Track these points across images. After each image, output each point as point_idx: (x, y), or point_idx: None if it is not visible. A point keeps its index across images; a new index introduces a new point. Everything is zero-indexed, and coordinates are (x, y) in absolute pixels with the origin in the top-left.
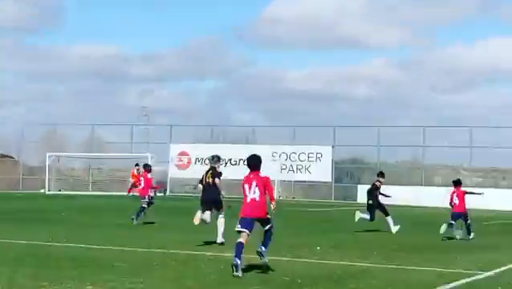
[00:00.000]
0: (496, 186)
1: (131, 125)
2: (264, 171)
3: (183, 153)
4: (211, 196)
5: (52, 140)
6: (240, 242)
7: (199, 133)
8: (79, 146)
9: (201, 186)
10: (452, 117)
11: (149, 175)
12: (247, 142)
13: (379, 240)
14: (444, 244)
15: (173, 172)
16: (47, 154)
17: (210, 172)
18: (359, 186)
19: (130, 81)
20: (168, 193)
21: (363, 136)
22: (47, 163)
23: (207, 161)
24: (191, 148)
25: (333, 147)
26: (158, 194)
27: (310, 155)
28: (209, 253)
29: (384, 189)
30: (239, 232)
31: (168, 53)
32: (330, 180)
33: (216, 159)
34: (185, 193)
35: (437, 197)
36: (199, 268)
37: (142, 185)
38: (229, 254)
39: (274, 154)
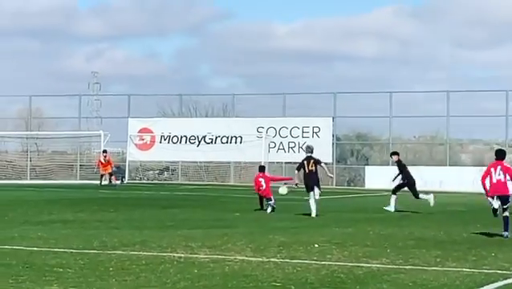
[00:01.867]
0: None
1: (78, 96)
2: (248, 150)
3: (145, 130)
4: (315, 180)
5: None
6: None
7: (164, 105)
8: (13, 123)
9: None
10: (482, 79)
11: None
12: (225, 114)
13: (392, 234)
14: (475, 238)
15: (133, 154)
16: None
17: (312, 160)
18: (368, 168)
19: (76, 40)
20: (126, 180)
21: (371, 105)
22: None
23: (175, 140)
24: (155, 123)
25: (333, 119)
26: (114, 182)
27: (305, 129)
28: (177, 254)
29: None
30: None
31: (122, 5)
32: (330, 160)
33: (311, 149)
34: (148, 180)
35: (465, 180)
36: (166, 273)
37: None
38: (203, 256)
39: (260, 129)
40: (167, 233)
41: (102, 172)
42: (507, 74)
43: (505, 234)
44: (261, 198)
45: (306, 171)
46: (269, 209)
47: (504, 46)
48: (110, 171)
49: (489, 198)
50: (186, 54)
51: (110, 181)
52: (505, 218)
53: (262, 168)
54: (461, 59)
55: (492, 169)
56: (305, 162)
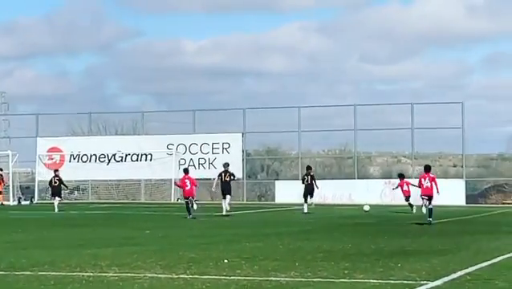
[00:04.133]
0: (446, 176)
1: None
2: (158, 168)
3: (54, 149)
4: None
5: None
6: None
7: (74, 123)
8: None
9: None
10: (388, 93)
11: None
12: (135, 132)
13: (301, 247)
14: (383, 249)
15: (42, 174)
16: None
17: (228, 173)
18: (278, 182)
19: None
20: (36, 200)
21: (281, 120)
22: None
23: (85, 158)
24: (64, 142)
25: (243, 134)
26: (24, 203)
27: (215, 146)
28: (86, 273)
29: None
30: None
31: (30, 23)
32: (241, 175)
33: (228, 164)
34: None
35: (374, 192)
36: None
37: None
38: (112, 274)
39: (170, 146)
40: (76, 252)
41: None
42: (412, 87)
43: (429, 220)
44: (187, 205)
45: (223, 180)
46: (195, 206)
47: (408, 60)
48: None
49: (422, 197)
50: (95, 72)
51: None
52: (430, 210)
53: (186, 171)
54: (367, 73)
55: (422, 179)
56: (222, 174)
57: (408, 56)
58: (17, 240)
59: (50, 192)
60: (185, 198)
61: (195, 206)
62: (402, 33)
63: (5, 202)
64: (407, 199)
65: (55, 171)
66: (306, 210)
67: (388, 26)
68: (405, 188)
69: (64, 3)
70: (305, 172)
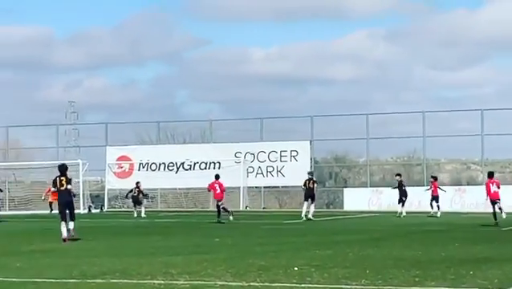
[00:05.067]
0: None
1: (56, 125)
2: (226, 176)
3: (123, 158)
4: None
5: None
6: None
7: (142, 132)
8: None
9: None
10: (456, 99)
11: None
12: (203, 141)
13: (371, 255)
14: (454, 257)
15: (112, 183)
16: None
17: (313, 180)
18: (346, 190)
19: (52, 70)
20: (105, 208)
21: (348, 128)
22: None
23: (154, 167)
24: (133, 150)
25: (311, 142)
26: (94, 211)
27: (282, 153)
28: (157, 281)
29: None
30: None
31: (99, 33)
32: None
33: (312, 172)
34: (127, 208)
35: (444, 199)
36: None
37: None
38: (183, 282)
39: (238, 154)
40: (147, 260)
41: (51, 200)
42: (480, 93)
43: (497, 221)
44: (218, 210)
45: (307, 187)
46: (231, 216)
47: (476, 66)
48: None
49: (492, 202)
50: (163, 81)
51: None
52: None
53: (217, 177)
54: (435, 79)
55: (490, 184)
56: (307, 181)
57: (475, 62)
58: (88, 248)
59: (132, 201)
60: (218, 202)
61: (231, 218)
62: (469, 39)
63: (75, 210)
64: (435, 200)
65: (137, 183)
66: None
67: (455, 32)
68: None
69: (133, 13)
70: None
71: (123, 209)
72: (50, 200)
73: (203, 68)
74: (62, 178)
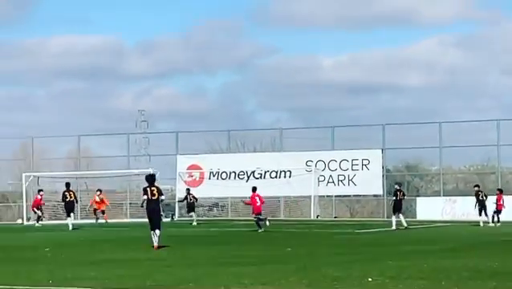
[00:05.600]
0: None
1: (126, 134)
2: (297, 185)
3: (193, 167)
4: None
5: (28, 156)
6: None
7: (212, 141)
8: (63, 163)
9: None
10: None
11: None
12: (274, 149)
13: (446, 266)
14: None
15: (183, 191)
16: (23, 174)
17: (402, 191)
18: (419, 199)
19: (122, 79)
20: (176, 217)
21: (421, 136)
22: (24, 186)
23: (224, 176)
24: (204, 159)
25: (383, 151)
26: (164, 220)
27: (354, 162)
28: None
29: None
30: None
31: (168, 42)
32: (380, 192)
33: (400, 183)
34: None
35: None
36: None
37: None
38: None
39: (309, 163)
40: (219, 270)
41: (97, 208)
42: None
43: None
44: (258, 221)
45: (397, 199)
46: (267, 223)
47: None
48: (103, 209)
49: None
50: (233, 89)
51: (97, 219)
52: None
53: (255, 189)
54: (509, 86)
55: None
56: (398, 192)
57: None
58: (161, 257)
59: (188, 208)
60: (256, 215)
61: (267, 223)
62: None
63: (145, 219)
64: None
65: (187, 190)
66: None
67: None
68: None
69: (202, 21)
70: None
71: (193, 218)
72: (95, 208)
73: (272, 76)
74: (153, 188)
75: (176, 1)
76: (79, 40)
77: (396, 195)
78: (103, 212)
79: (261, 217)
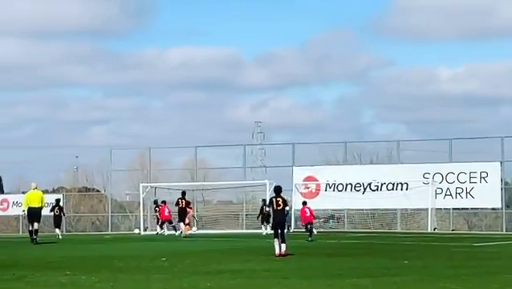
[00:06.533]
0: None
1: (243, 146)
2: (414, 197)
3: (310, 178)
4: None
5: (146, 167)
6: None
7: (328, 152)
8: (179, 174)
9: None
10: None
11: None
12: (390, 161)
13: None
14: None
15: (299, 203)
16: (141, 185)
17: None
18: None
19: (240, 91)
20: (292, 229)
21: None
22: (141, 196)
23: (340, 187)
24: (320, 171)
25: (501, 163)
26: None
27: (472, 175)
28: None
29: None
30: None
31: (285, 54)
32: (499, 205)
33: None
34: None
35: None
36: None
37: None
38: None
39: (426, 175)
40: (336, 281)
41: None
42: None
43: None
44: (310, 231)
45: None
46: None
47: None
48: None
49: None
50: (349, 101)
51: (161, 228)
52: None
53: (305, 203)
54: None
55: None
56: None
57: None
58: (276, 268)
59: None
60: (308, 224)
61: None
62: None
63: (259, 230)
64: None
65: (263, 200)
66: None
67: None
68: None
69: (318, 33)
70: None
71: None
72: (160, 218)
73: (389, 88)
74: (278, 199)
75: (294, 13)
76: (197, 52)
77: None
78: (170, 222)
79: (310, 226)
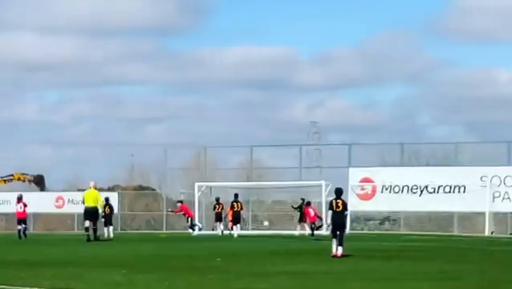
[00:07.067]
0: None
1: (298, 146)
2: (471, 200)
3: (366, 180)
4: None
5: (201, 166)
6: None
7: (385, 154)
8: (234, 173)
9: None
10: None
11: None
12: (447, 163)
13: None
14: None
15: (354, 204)
16: (196, 184)
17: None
18: None
19: (296, 90)
20: (348, 230)
21: None
22: (197, 195)
23: (397, 189)
24: (376, 172)
25: None
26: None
27: None
28: None
29: None
30: None
31: (342, 54)
32: None
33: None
34: (369, 230)
35: None
36: None
37: None
38: None
39: (484, 178)
40: (392, 285)
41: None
42: None
43: None
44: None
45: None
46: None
47: None
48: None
49: None
50: (406, 102)
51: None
52: None
53: (309, 203)
54: None
55: None
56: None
57: None
58: (334, 271)
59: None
60: (313, 224)
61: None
62: None
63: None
64: None
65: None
66: None
67: None
68: None
69: (375, 33)
70: None
71: (364, 231)
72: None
73: (447, 90)
74: (338, 201)
75: (351, 13)
76: (254, 51)
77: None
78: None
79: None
